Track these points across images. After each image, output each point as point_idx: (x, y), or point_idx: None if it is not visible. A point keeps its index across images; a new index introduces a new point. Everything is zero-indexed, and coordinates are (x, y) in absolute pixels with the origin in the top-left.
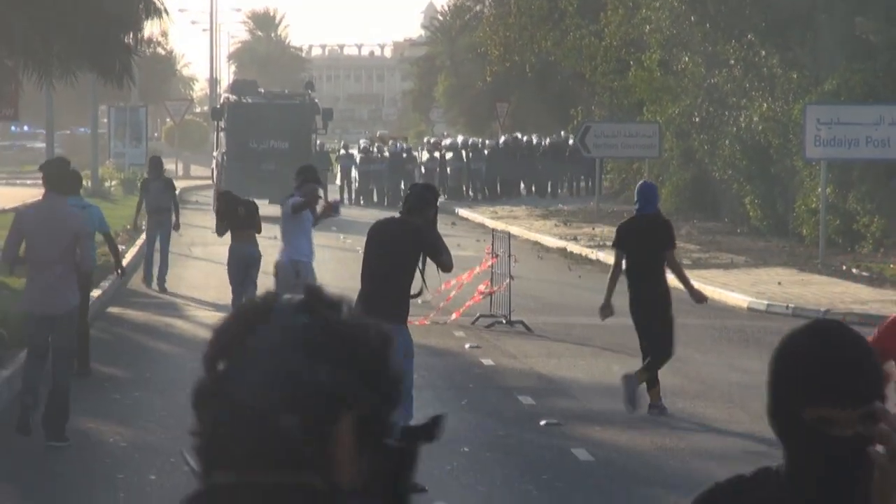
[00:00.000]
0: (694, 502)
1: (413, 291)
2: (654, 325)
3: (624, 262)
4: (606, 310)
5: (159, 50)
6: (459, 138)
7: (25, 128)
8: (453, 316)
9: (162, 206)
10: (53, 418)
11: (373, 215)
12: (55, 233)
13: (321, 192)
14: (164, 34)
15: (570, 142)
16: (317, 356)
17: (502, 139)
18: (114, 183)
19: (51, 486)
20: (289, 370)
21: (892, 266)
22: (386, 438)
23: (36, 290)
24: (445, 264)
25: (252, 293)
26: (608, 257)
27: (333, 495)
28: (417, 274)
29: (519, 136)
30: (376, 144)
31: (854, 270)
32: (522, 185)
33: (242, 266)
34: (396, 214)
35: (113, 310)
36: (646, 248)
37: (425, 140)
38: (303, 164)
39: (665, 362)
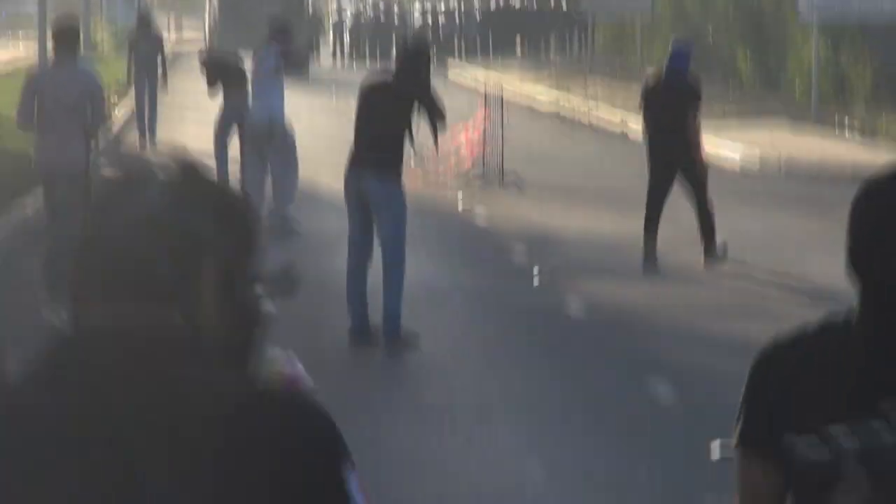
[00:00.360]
0: (756, 361)
1: (406, 143)
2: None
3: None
4: None
5: None
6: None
7: None
8: (446, 176)
9: (151, 63)
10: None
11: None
12: (68, 91)
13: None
14: None
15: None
16: (183, 206)
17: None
18: (105, 40)
19: None
20: (159, 216)
21: (885, 122)
22: (246, 289)
23: (49, 150)
24: (439, 118)
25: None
26: (601, 116)
27: (198, 340)
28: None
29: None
30: (370, 5)
31: (847, 124)
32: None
33: (234, 125)
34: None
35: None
36: (671, 109)
37: (417, 4)
38: (275, 17)
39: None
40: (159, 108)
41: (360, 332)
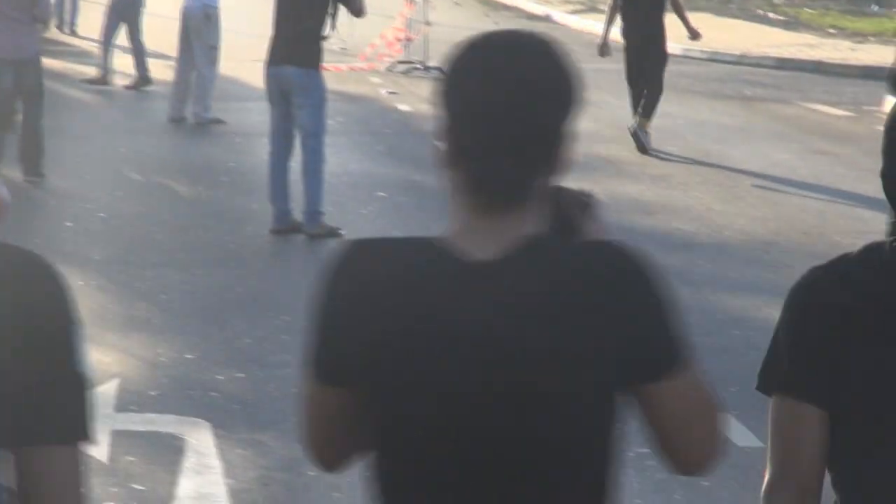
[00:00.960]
0: (794, 290)
1: (324, 34)
2: (647, 63)
3: None
4: (605, 48)
5: None
6: None
7: None
8: (371, 64)
9: None
10: (32, 156)
11: None
12: None
13: None
14: None
15: None
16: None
17: None
18: None
19: None
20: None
21: (806, 10)
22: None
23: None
24: (356, 8)
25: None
26: (524, 2)
27: None
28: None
29: None
30: None
31: (770, 15)
32: None
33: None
34: None
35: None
36: None
37: None
38: None
39: (659, 99)
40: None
41: (282, 223)
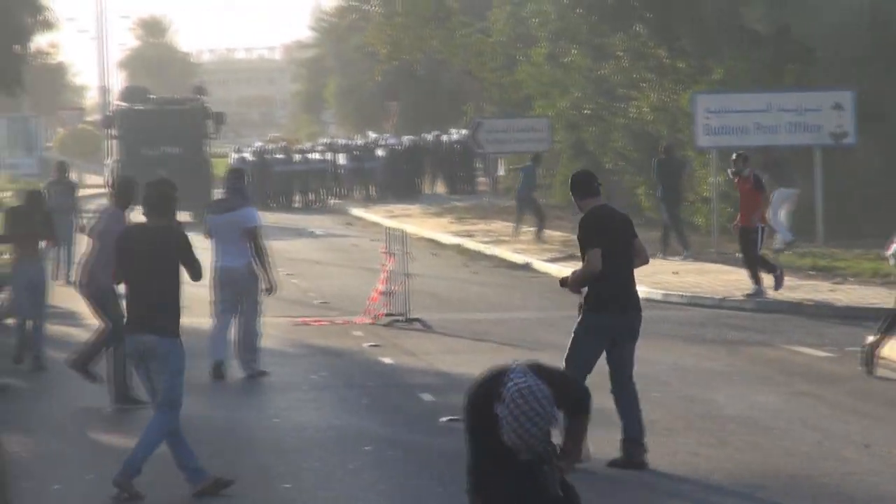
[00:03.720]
0: None
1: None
2: None
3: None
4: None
5: (49, 60)
6: (348, 140)
7: None
8: (358, 318)
9: (63, 207)
10: None
11: (269, 218)
12: None
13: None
14: (54, 46)
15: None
16: None
17: (406, 139)
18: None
19: None
20: None
21: (787, 253)
22: None
23: None
24: (196, 272)
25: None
26: (504, 252)
27: None
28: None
29: (409, 138)
30: (270, 147)
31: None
32: (418, 183)
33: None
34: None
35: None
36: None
37: (320, 141)
38: (234, 168)
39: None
40: (74, 248)
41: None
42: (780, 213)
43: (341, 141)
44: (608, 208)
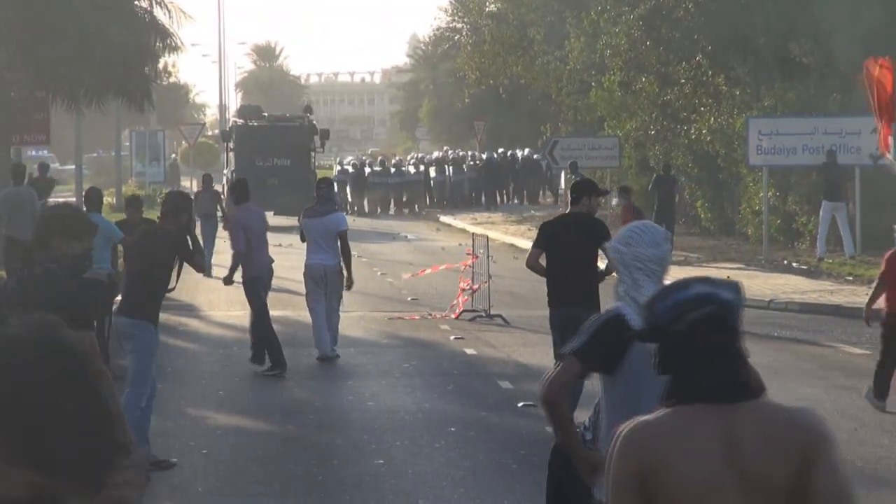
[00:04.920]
0: None
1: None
2: None
3: None
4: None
5: (173, 79)
6: (440, 153)
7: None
8: (451, 315)
9: (209, 213)
10: None
11: (366, 223)
12: None
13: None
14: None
15: (535, 156)
16: None
17: (484, 155)
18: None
19: None
20: None
21: (828, 260)
22: None
23: None
24: (199, 265)
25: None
26: None
27: None
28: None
29: (498, 152)
30: (369, 161)
31: (794, 265)
32: (498, 196)
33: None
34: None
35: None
36: None
37: (410, 156)
38: (323, 178)
39: None
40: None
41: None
42: (825, 224)
43: (434, 155)
44: (571, 215)
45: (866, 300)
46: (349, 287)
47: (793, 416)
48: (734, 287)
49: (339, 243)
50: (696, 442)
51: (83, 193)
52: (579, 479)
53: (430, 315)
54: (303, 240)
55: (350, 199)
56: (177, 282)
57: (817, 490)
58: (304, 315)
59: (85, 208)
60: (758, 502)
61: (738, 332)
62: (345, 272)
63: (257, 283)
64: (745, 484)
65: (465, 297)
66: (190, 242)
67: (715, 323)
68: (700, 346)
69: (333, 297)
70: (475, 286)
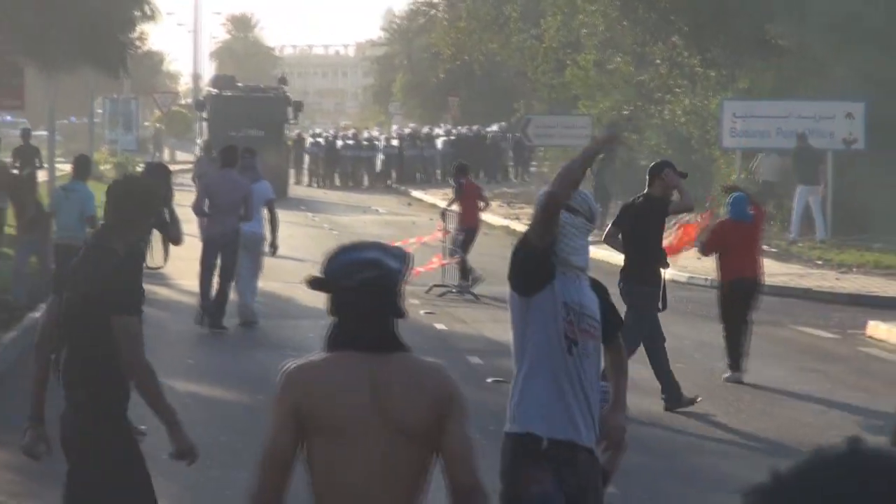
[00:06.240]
0: None
1: (151, 265)
2: None
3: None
4: None
5: (147, 48)
6: (413, 128)
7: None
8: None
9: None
10: None
11: (338, 196)
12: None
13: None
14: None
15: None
16: None
17: (454, 130)
18: (108, 167)
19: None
20: None
21: (798, 244)
22: None
23: None
24: (174, 237)
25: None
26: None
27: None
28: (160, 248)
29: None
30: (342, 134)
31: (765, 247)
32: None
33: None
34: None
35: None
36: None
37: (394, 129)
38: (248, 147)
39: None
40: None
41: None
42: (800, 208)
43: (406, 130)
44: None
45: (833, 283)
46: (273, 253)
47: (431, 370)
48: (401, 256)
49: (266, 211)
50: (346, 383)
51: (73, 160)
52: (527, 471)
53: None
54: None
55: (322, 172)
56: (165, 260)
57: (446, 442)
58: (288, 287)
59: (73, 175)
60: (397, 439)
61: (397, 294)
62: (268, 237)
63: (208, 244)
64: (386, 422)
65: (436, 272)
66: (167, 215)
67: (377, 284)
68: (361, 302)
69: (258, 261)
70: (445, 261)
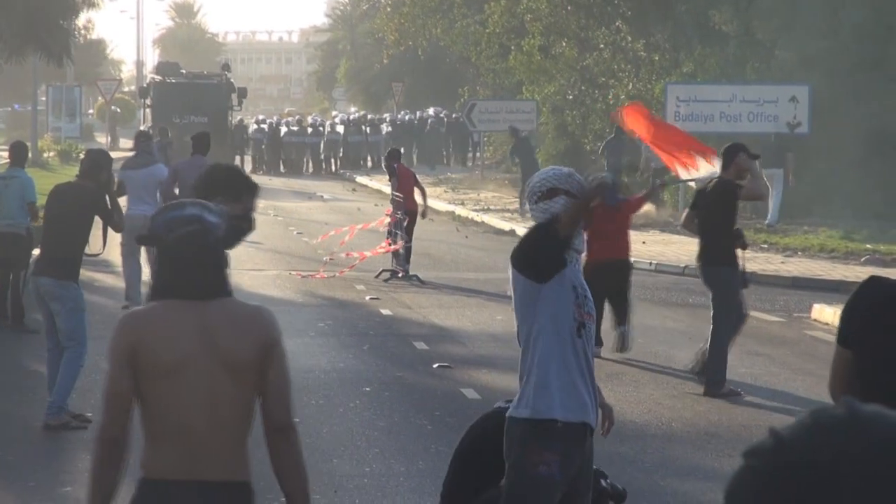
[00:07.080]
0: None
1: (90, 251)
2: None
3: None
4: None
5: (90, 36)
6: (357, 114)
7: None
8: (348, 269)
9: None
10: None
11: (282, 183)
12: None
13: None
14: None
15: (453, 116)
16: None
17: (398, 115)
18: (51, 154)
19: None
20: None
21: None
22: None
23: None
24: (116, 225)
25: None
26: (491, 219)
27: None
28: (99, 234)
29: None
30: (286, 120)
31: None
32: (414, 157)
33: None
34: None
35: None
36: None
37: (334, 114)
38: (142, 131)
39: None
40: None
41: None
42: (778, 193)
43: (351, 115)
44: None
45: (778, 267)
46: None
47: (256, 313)
48: (220, 213)
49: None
50: (176, 326)
51: (8, 147)
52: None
53: (340, 273)
54: (122, 193)
55: (266, 159)
56: (104, 246)
57: (267, 380)
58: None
59: (9, 162)
60: (224, 377)
61: (217, 247)
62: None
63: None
64: (214, 361)
65: (378, 254)
66: (109, 202)
67: (196, 238)
68: (182, 255)
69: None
70: (392, 247)
